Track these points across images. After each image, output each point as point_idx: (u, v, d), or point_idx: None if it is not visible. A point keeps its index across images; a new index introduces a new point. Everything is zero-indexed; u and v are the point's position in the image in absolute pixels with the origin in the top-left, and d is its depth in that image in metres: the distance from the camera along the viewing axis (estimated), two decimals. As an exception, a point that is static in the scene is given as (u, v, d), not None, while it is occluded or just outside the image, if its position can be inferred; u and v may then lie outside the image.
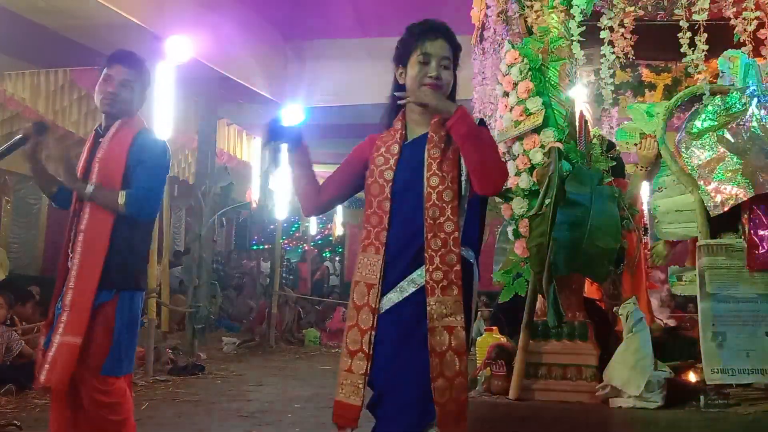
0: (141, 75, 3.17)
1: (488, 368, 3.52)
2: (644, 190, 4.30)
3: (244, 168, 11.08)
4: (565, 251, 3.21)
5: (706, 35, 3.29)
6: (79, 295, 2.91)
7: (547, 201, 3.11)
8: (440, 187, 2.28)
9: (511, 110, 3.56)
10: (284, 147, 2.45)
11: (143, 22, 6.66)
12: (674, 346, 3.71)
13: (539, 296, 3.38)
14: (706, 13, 3.32)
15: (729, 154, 3.32)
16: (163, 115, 7.09)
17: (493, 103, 4.26)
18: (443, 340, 2.21)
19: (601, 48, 3.57)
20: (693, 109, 3.56)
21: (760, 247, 3.19)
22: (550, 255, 3.04)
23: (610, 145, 3.91)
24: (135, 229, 3.06)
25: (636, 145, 3.97)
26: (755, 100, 3.36)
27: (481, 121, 2.45)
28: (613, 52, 3.57)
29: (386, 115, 2.50)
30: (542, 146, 3.42)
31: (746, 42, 3.37)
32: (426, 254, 2.24)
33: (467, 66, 3.61)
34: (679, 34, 3.37)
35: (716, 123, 3.39)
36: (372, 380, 2.31)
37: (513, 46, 3.60)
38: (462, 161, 2.30)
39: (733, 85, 3.47)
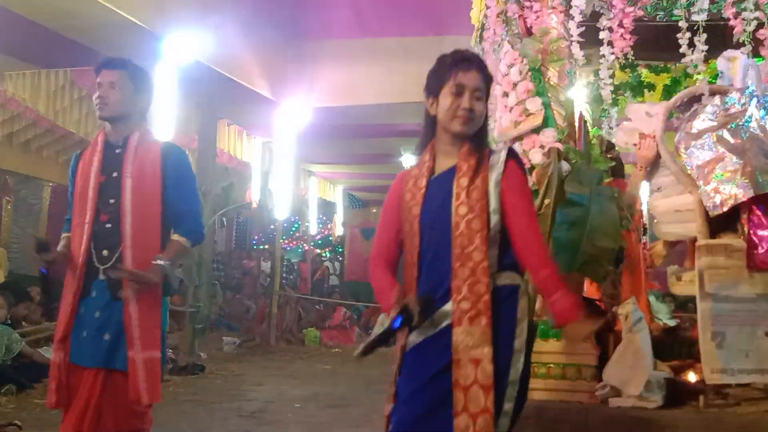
0: (131, 76, 3.07)
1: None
2: (643, 190, 4.30)
3: (244, 168, 11.07)
4: (564, 251, 3.21)
5: (705, 35, 3.29)
6: (148, 310, 2.93)
7: (546, 201, 3.11)
8: (469, 215, 2.21)
9: (510, 111, 3.56)
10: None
11: (143, 22, 6.66)
12: (674, 346, 3.71)
13: (539, 296, 3.39)
14: (706, 13, 3.32)
15: (728, 154, 3.32)
16: (163, 116, 7.10)
17: (492, 104, 4.26)
18: (468, 373, 2.11)
19: (601, 48, 3.57)
20: (692, 109, 3.56)
21: (760, 247, 3.19)
22: (549, 255, 3.04)
23: (610, 146, 3.92)
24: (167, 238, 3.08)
25: (635, 145, 3.98)
26: (754, 100, 3.36)
27: (511, 150, 2.39)
28: (613, 53, 3.57)
29: (418, 147, 2.44)
30: (542, 147, 3.43)
31: (746, 42, 3.37)
32: (452, 284, 2.17)
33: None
34: (679, 35, 3.38)
35: (715, 123, 3.40)
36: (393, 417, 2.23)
37: (512, 47, 3.60)
38: (491, 190, 2.24)
39: (732, 85, 3.48)
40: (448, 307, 2.18)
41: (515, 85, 3.55)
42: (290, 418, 5.75)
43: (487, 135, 2.50)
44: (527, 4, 3.72)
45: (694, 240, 3.44)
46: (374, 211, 17.06)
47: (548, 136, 3.44)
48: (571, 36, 3.54)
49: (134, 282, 2.88)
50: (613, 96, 4.75)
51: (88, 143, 3.46)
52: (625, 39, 3.56)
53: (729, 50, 3.56)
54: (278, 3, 8.79)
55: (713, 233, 3.35)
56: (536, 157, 3.43)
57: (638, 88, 5.35)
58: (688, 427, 3.10)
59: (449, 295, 2.19)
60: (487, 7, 4.05)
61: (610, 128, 5.52)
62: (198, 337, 8.81)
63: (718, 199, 3.28)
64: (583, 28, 3.51)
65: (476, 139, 2.34)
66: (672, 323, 4.76)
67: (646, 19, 3.71)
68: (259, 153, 11.04)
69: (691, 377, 3.38)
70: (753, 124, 3.33)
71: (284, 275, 14.74)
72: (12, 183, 11.50)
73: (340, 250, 19.25)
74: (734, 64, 3.47)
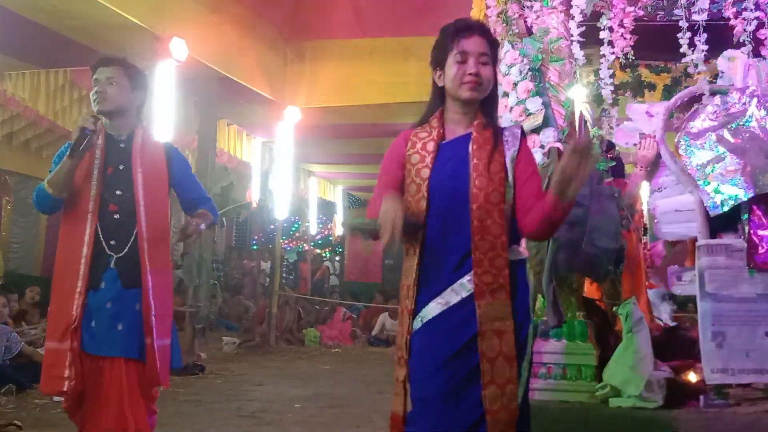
0: (127, 73, 3.11)
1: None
2: (643, 190, 4.30)
3: (244, 168, 11.06)
4: (564, 251, 3.21)
5: (705, 35, 3.30)
6: (164, 299, 3.09)
7: (546, 201, 3.11)
8: (488, 188, 2.19)
9: (510, 110, 3.57)
10: None
11: (143, 22, 6.66)
12: (674, 346, 3.71)
13: (539, 296, 3.39)
14: (706, 12, 3.32)
15: (729, 154, 3.32)
16: (163, 116, 7.09)
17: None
18: (494, 344, 2.12)
19: (601, 48, 3.57)
20: (693, 109, 3.56)
21: (760, 247, 3.20)
22: (549, 255, 3.04)
23: (610, 145, 3.92)
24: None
25: (635, 145, 3.98)
26: (755, 100, 3.36)
27: (523, 129, 2.38)
28: (613, 53, 3.57)
29: (424, 116, 2.40)
30: (542, 147, 3.43)
31: (746, 42, 3.37)
32: (473, 257, 2.16)
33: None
34: (679, 35, 3.38)
35: (716, 123, 3.40)
36: (412, 392, 2.21)
37: (513, 47, 3.60)
38: (508, 165, 2.24)
39: (732, 85, 3.47)
40: (467, 279, 2.17)
41: (515, 84, 3.55)
42: (290, 418, 5.74)
43: (497, 102, 2.49)
44: (527, 3, 3.72)
45: (694, 240, 3.44)
46: (374, 211, 16.98)
47: (548, 136, 3.44)
48: (572, 35, 3.54)
49: (184, 232, 3.07)
50: (613, 96, 4.75)
51: (88, 142, 3.48)
52: (625, 38, 3.57)
53: (729, 50, 3.56)
54: (278, 3, 8.80)
55: (714, 233, 3.35)
56: (536, 157, 3.43)
57: (638, 88, 5.35)
58: (688, 427, 3.10)
59: (463, 266, 2.18)
60: (488, 7, 4.05)
61: (610, 128, 5.52)
62: (198, 337, 8.80)
63: (718, 198, 3.29)
64: (584, 28, 3.51)
65: (488, 110, 2.33)
66: (671, 323, 4.75)
67: (646, 18, 3.72)
68: (259, 153, 11.03)
69: (691, 377, 3.38)
70: (753, 124, 3.33)
71: (284, 275, 14.74)
72: (12, 183, 11.50)
73: (340, 250, 19.25)
74: (734, 64, 3.47)
